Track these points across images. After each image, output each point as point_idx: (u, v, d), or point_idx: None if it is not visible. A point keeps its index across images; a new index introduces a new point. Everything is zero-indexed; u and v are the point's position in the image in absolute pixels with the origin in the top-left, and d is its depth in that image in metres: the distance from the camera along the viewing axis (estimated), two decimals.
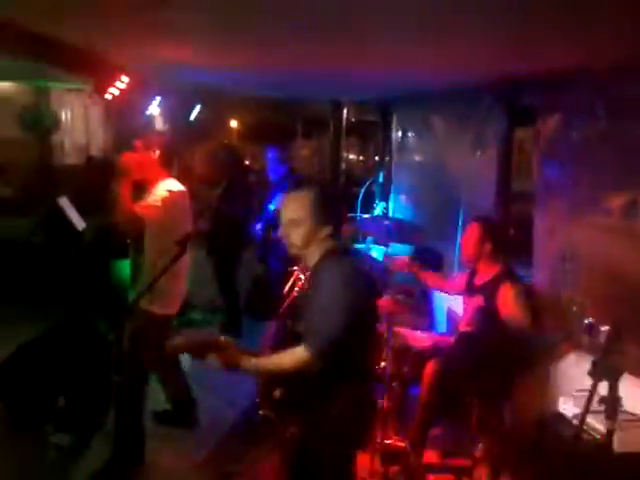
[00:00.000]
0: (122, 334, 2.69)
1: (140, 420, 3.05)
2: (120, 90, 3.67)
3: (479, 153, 4.86)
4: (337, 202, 2.16)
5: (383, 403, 3.11)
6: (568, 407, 2.47)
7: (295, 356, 1.89)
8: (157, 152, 3.00)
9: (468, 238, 3.31)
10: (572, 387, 2.60)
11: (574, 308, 3.01)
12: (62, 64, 3.21)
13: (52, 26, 2.74)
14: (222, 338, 1.98)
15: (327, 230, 2.00)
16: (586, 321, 2.86)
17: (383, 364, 3.20)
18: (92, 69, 3.43)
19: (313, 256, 2.03)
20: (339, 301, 1.88)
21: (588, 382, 1.96)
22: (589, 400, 2.07)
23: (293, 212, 2.01)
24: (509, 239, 4.31)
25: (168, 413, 3.57)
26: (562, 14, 2.19)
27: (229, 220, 5.10)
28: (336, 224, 2.04)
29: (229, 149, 6.07)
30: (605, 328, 2.62)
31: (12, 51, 2.75)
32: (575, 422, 2.35)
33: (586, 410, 2.09)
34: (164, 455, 3.28)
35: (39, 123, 7.49)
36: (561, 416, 2.48)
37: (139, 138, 3.01)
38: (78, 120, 8.46)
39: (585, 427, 2.26)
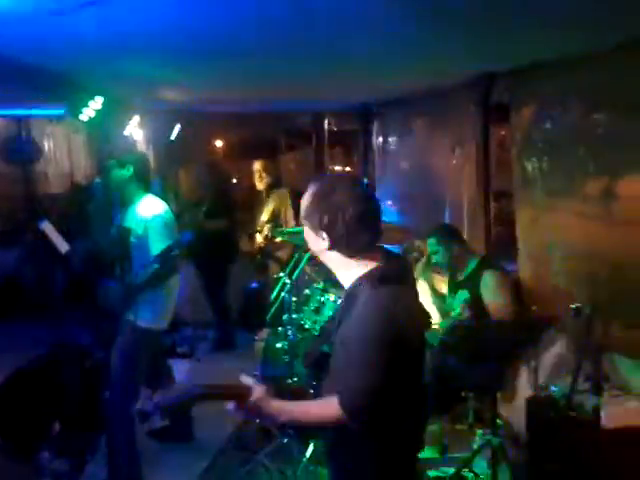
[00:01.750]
0: (110, 349, 2.70)
1: (132, 436, 3.03)
2: (95, 111, 3.70)
3: (459, 152, 4.93)
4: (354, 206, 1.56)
5: None
6: (557, 389, 2.49)
7: (328, 411, 1.51)
8: (131, 170, 3.00)
9: (432, 255, 3.43)
10: (560, 369, 2.62)
11: (560, 294, 3.04)
12: (35, 87, 3.23)
13: (24, 51, 2.77)
14: (247, 383, 1.55)
15: (325, 244, 1.57)
16: (572, 306, 2.90)
17: None
18: (65, 91, 3.45)
19: (347, 278, 1.61)
20: (378, 344, 1.46)
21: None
22: (574, 379, 2.09)
23: (306, 237, 1.65)
24: (492, 235, 4.37)
25: (164, 429, 3.55)
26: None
27: (214, 236, 5.12)
28: (350, 238, 1.56)
29: (212, 166, 6.10)
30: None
31: None
32: (562, 401, 2.36)
33: (572, 389, 2.12)
34: (162, 471, 3.26)
35: (21, 154, 7.51)
36: (551, 398, 2.50)
37: (112, 159, 3.03)
38: (61, 149, 8.49)
39: (574, 406, 2.28)
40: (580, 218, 3.43)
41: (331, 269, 1.65)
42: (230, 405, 1.51)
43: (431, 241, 3.38)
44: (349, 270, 1.59)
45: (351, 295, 1.56)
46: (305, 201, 1.61)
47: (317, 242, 1.59)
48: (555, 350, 2.82)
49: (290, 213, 5.06)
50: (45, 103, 4.31)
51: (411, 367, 1.55)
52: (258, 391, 1.51)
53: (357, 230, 1.54)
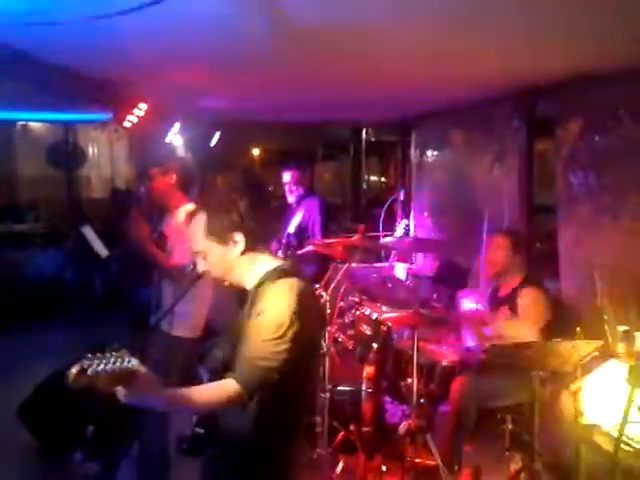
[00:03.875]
0: (144, 358, 2.69)
1: (165, 445, 3.02)
2: (139, 118, 3.75)
3: (500, 166, 4.82)
4: (235, 213, 1.68)
5: (412, 421, 3.04)
6: (605, 418, 2.37)
7: (225, 390, 1.56)
8: (174, 177, 3.02)
9: (493, 251, 3.28)
10: (609, 397, 2.49)
11: (606, 316, 2.91)
12: (82, 94, 3.31)
13: (71, 58, 2.83)
14: (134, 366, 1.43)
15: (241, 246, 1.66)
16: (620, 329, 2.76)
17: (410, 381, 3.13)
18: (110, 98, 3.52)
19: (248, 280, 1.71)
20: (279, 326, 1.55)
21: (625, 391, 1.87)
22: (627, 409, 1.98)
23: (194, 243, 1.71)
24: (533, 251, 4.23)
25: (196, 437, 3.53)
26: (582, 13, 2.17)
27: None
28: (255, 235, 1.68)
29: (249, 176, 6.13)
30: None
31: (33, 82, 2.85)
32: (613, 433, 2.24)
33: (624, 420, 2.01)
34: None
35: (67, 159, 7.72)
36: (598, 427, 2.38)
37: (155, 166, 3.04)
38: (103, 155, 8.73)
39: (624, 438, 2.16)
40: (629, 237, 3.30)
41: (234, 276, 1.71)
42: (121, 391, 1.44)
43: (497, 238, 3.29)
44: (255, 269, 1.68)
45: (257, 290, 1.65)
46: (204, 216, 1.67)
47: (227, 251, 1.66)
48: (601, 375, 2.68)
49: (317, 225, 4.96)
50: (91, 110, 4.40)
51: (307, 352, 1.62)
52: (144, 375, 1.45)
53: (262, 226, 1.71)
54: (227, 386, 1.55)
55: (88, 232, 3.50)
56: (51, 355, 4.25)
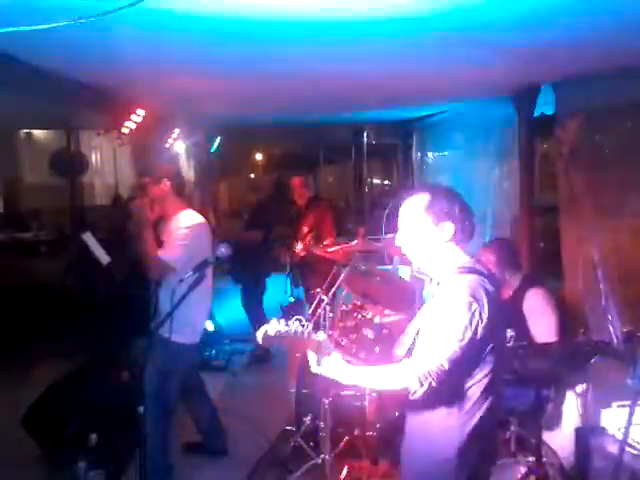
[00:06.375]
0: (144, 364, 2.69)
1: (167, 452, 3.01)
2: (137, 124, 3.75)
3: (501, 166, 4.80)
4: (454, 204, 1.74)
5: None
6: (610, 420, 2.34)
7: (401, 378, 1.65)
8: (168, 184, 3.02)
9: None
10: (613, 399, 2.47)
11: (610, 316, 2.88)
12: (81, 101, 3.30)
13: (67, 66, 2.83)
14: (318, 339, 1.68)
15: (449, 234, 1.72)
16: (624, 330, 2.73)
17: None
18: (107, 104, 3.52)
19: (438, 270, 1.77)
20: (455, 326, 1.60)
21: (630, 393, 1.85)
22: (632, 412, 1.96)
23: (405, 223, 1.79)
24: (537, 251, 4.21)
25: (199, 443, 3.53)
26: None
27: (252, 248, 5.13)
28: (461, 231, 1.73)
29: (253, 180, 6.14)
30: None
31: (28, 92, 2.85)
32: (618, 436, 2.21)
33: (629, 422, 1.99)
34: None
35: (69, 167, 7.73)
36: (603, 430, 2.35)
37: (147, 175, 3.05)
38: (107, 162, 8.73)
39: (629, 440, 2.13)
40: (633, 236, 3.27)
41: (428, 262, 1.78)
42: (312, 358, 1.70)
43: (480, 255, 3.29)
44: (448, 262, 1.74)
45: (441, 284, 1.72)
46: (428, 196, 1.75)
47: (435, 233, 1.73)
48: (605, 377, 2.65)
49: (327, 228, 4.99)
50: (90, 116, 4.40)
51: (490, 350, 1.65)
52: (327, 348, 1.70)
53: (468, 225, 1.75)
54: (404, 375, 1.64)
55: (89, 239, 3.48)
56: (54, 363, 4.25)
